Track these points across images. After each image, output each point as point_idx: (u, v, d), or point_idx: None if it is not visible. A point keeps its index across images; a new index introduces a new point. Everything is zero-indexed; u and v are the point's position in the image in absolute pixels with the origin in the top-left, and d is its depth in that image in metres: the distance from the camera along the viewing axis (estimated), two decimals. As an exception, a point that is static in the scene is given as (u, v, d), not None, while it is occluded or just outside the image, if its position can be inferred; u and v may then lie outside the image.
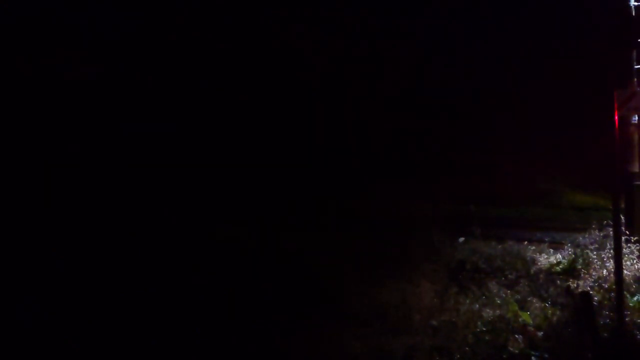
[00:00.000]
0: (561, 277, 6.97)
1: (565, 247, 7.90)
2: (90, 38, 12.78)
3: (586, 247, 7.56)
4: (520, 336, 5.28)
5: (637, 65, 7.73)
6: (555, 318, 5.57)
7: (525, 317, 5.65)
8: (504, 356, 5.02)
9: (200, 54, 13.94)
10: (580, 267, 7.12)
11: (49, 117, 12.23)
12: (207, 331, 5.50)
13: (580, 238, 7.97)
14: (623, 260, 5.63)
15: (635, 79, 7.65)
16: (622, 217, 6.72)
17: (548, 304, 6.02)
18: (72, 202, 10.25)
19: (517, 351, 5.07)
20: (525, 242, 8.40)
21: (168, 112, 13.47)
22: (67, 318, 5.67)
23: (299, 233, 8.69)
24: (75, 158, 12.03)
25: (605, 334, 5.00)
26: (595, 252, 7.21)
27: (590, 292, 5.64)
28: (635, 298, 5.74)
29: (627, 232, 7.18)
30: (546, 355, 4.98)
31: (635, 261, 6.75)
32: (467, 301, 6.08)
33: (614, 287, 5.18)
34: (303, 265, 7.25)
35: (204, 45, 13.96)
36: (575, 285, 6.43)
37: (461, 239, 8.64)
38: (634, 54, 7.72)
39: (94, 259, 7.44)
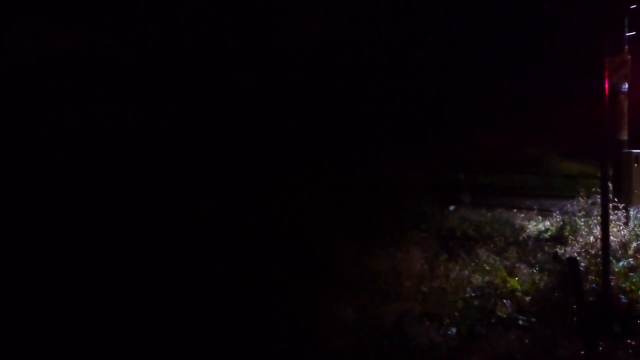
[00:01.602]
0: (549, 243, 7.07)
1: (554, 214, 8.02)
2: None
3: (574, 214, 7.67)
4: (509, 301, 5.39)
5: (628, 32, 7.68)
6: (542, 283, 5.67)
7: (513, 282, 5.75)
8: (492, 320, 5.12)
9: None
10: (567, 234, 7.23)
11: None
12: (201, 297, 5.55)
13: (569, 205, 8.08)
14: (610, 227, 5.71)
15: (627, 47, 7.61)
16: (610, 185, 6.80)
17: (536, 269, 6.13)
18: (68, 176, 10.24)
19: (504, 316, 5.18)
20: (515, 210, 8.50)
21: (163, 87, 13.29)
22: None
23: (288, 203, 8.71)
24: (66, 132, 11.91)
25: (591, 298, 5.11)
26: (583, 219, 7.33)
27: (577, 258, 5.73)
28: (621, 263, 5.85)
29: (615, 199, 7.28)
30: (533, 319, 5.09)
31: (621, 228, 6.86)
32: (457, 268, 6.17)
33: (600, 253, 5.26)
34: (293, 234, 7.29)
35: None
36: (562, 251, 6.53)
37: (451, 207, 8.73)
38: (626, 20, 7.66)
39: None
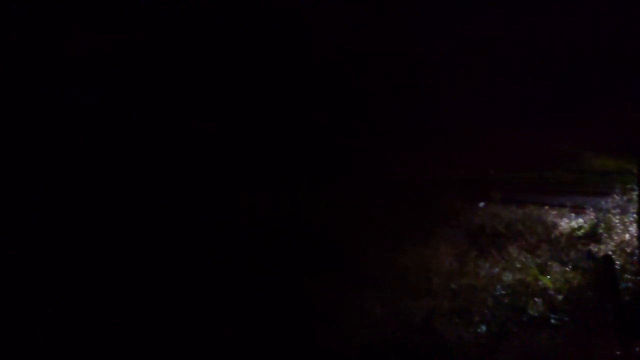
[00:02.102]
0: (582, 241, 6.93)
1: (587, 211, 7.85)
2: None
3: (609, 211, 7.50)
4: (540, 299, 5.32)
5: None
6: (575, 282, 5.58)
7: (545, 281, 5.67)
8: (523, 319, 5.06)
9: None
10: (602, 231, 7.07)
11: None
12: (229, 297, 5.62)
13: (603, 202, 7.90)
14: (647, 225, 5.58)
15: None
16: (647, 181, 6.62)
17: (569, 268, 6.02)
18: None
19: (536, 314, 5.11)
20: (546, 207, 8.35)
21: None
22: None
23: (319, 200, 8.73)
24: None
25: (627, 298, 5.00)
26: (618, 217, 7.16)
27: (612, 256, 5.61)
28: (658, 262, 5.71)
29: (652, 196, 7.09)
30: (566, 318, 5.01)
31: (659, 225, 6.68)
32: (487, 265, 6.11)
33: (636, 251, 5.14)
34: (324, 231, 7.31)
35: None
36: (597, 249, 6.40)
37: (481, 204, 8.62)
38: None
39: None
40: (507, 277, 5.77)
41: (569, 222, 7.70)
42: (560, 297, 5.37)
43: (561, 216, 7.97)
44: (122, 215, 7.82)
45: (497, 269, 5.99)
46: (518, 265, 6.04)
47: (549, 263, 6.15)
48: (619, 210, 7.32)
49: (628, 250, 6.06)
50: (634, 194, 6.71)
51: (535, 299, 5.32)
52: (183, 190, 9.62)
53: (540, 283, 5.63)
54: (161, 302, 5.51)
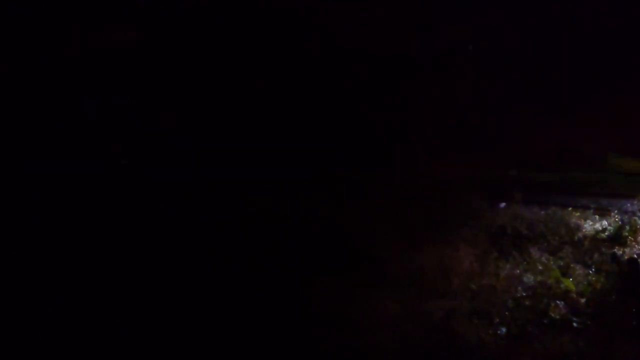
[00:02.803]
0: (606, 244, 6.78)
1: (612, 213, 7.68)
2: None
3: (634, 213, 7.35)
4: (562, 302, 5.21)
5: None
6: (599, 285, 5.46)
7: (567, 283, 5.56)
8: (545, 321, 4.97)
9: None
10: (627, 234, 6.91)
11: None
12: (246, 294, 5.63)
13: (628, 204, 7.74)
14: (674, 228, 5.44)
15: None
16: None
17: (592, 270, 5.90)
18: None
19: (558, 317, 5.02)
20: (569, 208, 8.19)
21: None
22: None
23: (336, 198, 8.70)
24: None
25: (653, 302, 4.88)
26: (643, 219, 7.00)
27: (638, 260, 5.48)
28: (685, 266, 5.55)
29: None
30: (589, 322, 4.91)
31: (686, 228, 6.52)
32: (508, 266, 6.01)
33: (663, 254, 5.02)
34: (340, 229, 7.28)
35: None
36: (621, 252, 6.26)
37: (502, 204, 8.50)
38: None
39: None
40: (529, 278, 5.68)
41: (593, 224, 7.54)
42: (583, 300, 5.25)
43: (585, 218, 7.81)
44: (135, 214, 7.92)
45: (518, 271, 5.89)
46: (540, 267, 5.93)
47: (572, 265, 6.02)
48: (644, 213, 7.16)
49: (654, 253, 5.92)
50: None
51: (557, 302, 5.22)
52: (199, 187, 9.69)
53: (562, 286, 5.51)
54: (175, 301, 5.53)
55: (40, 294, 5.54)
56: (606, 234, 7.18)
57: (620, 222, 7.28)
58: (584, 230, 7.39)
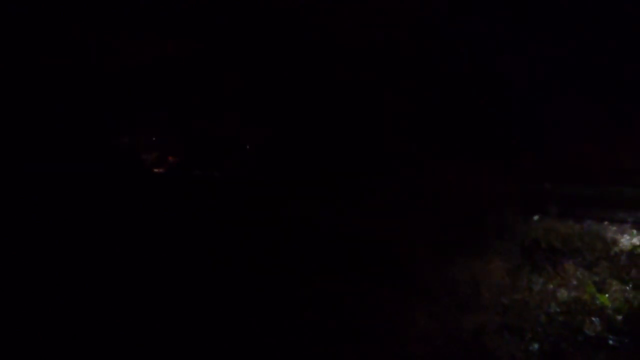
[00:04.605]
0: (645, 259, 6.62)
1: (650, 228, 7.50)
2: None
3: (674, 228, 7.14)
4: (598, 319, 5.11)
5: None
6: (636, 302, 5.33)
7: (603, 299, 5.44)
8: (579, 338, 4.88)
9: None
10: (666, 249, 6.74)
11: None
12: (281, 306, 5.68)
13: (668, 219, 7.53)
14: None
15: None
16: None
17: (629, 287, 5.76)
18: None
19: (593, 334, 4.91)
20: (606, 222, 8.03)
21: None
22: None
23: (369, 209, 8.72)
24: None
25: (693, 321, 4.74)
26: (683, 235, 6.80)
27: (677, 277, 5.34)
28: None
29: None
30: (626, 340, 4.80)
31: None
32: (541, 281, 5.93)
33: None
34: (373, 240, 7.30)
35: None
36: (660, 268, 6.10)
37: (536, 217, 8.38)
38: None
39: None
40: (562, 294, 5.58)
41: (631, 239, 7.37)
42: (619, 317, 5.14)
43: (622, 232, 7.64)
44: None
45: (551, 286, 5.80)
46: (574, 282, 5.83)
47: (608, 281, 5.90)
48: (685, 228, 6.95)
49: (694, 270, 5.75)
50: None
51: (592, 318, 5.11)
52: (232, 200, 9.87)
53: (597, 302, 5.40)
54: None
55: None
56: (644, 249, 7.02)
57: (659, 237, 7.11)
58: (620, 244, 7.23)
